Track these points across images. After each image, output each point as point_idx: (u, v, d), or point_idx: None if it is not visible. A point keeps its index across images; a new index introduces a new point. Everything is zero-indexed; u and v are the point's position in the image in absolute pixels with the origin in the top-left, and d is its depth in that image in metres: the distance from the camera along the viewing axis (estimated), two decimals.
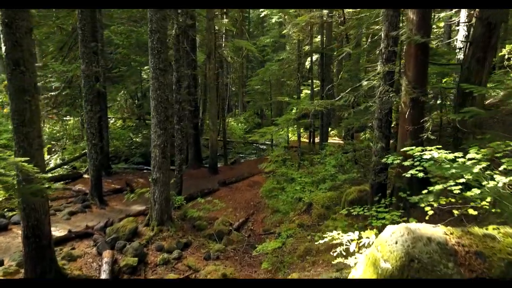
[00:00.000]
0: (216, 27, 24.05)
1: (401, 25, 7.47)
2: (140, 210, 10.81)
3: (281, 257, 8.07)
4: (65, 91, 13.13)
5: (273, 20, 22.30)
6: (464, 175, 3.53)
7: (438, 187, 3.74)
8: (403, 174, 4.45)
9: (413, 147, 4.11)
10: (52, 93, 12.91)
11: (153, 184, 9.20)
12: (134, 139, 22.58)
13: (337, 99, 7.11)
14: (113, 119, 27.29)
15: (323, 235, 4.78)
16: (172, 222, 9.51)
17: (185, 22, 14.80)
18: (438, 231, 3.40)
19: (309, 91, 28.48)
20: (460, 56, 14.09)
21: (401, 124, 7.06)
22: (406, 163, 4.57)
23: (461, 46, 14.28)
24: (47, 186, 5.09)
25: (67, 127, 14.37)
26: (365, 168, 11.90)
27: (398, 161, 4.80)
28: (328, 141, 24.07)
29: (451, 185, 3.89)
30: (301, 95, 26.79)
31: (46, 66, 13.59)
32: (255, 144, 26.35)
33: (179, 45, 10.51)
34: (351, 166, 12.98)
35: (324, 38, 22.09)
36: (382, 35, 7.26)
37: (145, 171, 17.70)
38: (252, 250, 8.91)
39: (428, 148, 3.91)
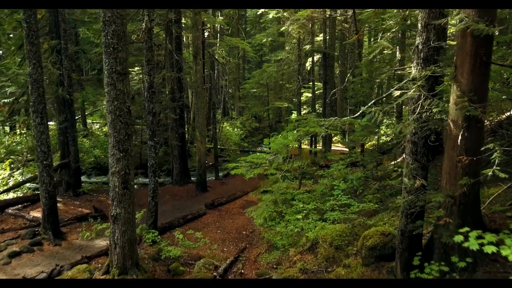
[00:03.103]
0: (208, 25, 21.98)
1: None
2: (104, 247, 8.71)
3: None
4: (22, 98, 11.02)
5: (270, 16, 20.24)
6: None
7: None
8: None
9: None
10: (6, 100, 10.80)
11: (112, 222, 7.10)
12: None
13: (356, 115, 5.02)
14: (98, 124, 25.28)
15: None
16: (139, 269, 7.40)
17: (167, 16, 12.73)
18: None
19: (310, 94, 26.41)
20: None
21: (449, 152, 4.96)
22: (504, 252, 2.47)
23: None
24: None
25: (28, 138, 12.27)
26: (381, 192, 9.82)
27: (495, 249, 2.67)
28: (332, 148, 22.00)
29: None
30: (302, 98, 24.73)
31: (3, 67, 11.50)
32: (251, 152, 24.29)
33: (151, 42, 8.41)
34: (363, 185, 10.90)
35: (327, 37, 20.07)
36: (419, 25, 5.18)
37: None
38: None
39: None
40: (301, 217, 9.30)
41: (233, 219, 11.47)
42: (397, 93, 4.86)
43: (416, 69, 5.18)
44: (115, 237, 7.14)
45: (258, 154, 5.31)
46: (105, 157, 18.24)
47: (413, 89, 4.75)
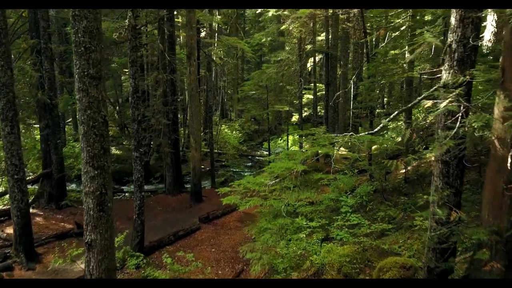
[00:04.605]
0: (205, 24, 20.99)
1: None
2: (83, 271, 7.73)
3: None
4: None
5: (270, 14, 19.27)
6: None
7: None
8: None
9: None
10: None
11: (87, 249, 6.11)
12: (112, 152, 19.57)
13: (375, 130, 4.07)
14: None
15: None
16: None
17: (158, 14, 11.76)
18: None
19: (311, 96, 25.40)
20: None
21: (492, 176, 4.00)
22: None
23: None
24: None
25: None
26: (393, 209, 8.84)
27: None
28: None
29: None
30: (303, 100, 23.71)
31: None
32: (250, 156, 23.29)
33: (136, 41, 7.44)
34: (372, 201, 9.94)
35: (329, 36, 19.11)
36: (452, 19, 4.22)
37: (118, 195, 14.64)
38: None
39: None
40: (304, 235, 8.35)
41: (230, 234, 10.49)
42: (428, 103, 3.89)
43: (449, 72, 4.21)
44: (90, 267, 6.15)
45: (255, 177, 4.34)
46: None
47: (449, 98, 3.79)
